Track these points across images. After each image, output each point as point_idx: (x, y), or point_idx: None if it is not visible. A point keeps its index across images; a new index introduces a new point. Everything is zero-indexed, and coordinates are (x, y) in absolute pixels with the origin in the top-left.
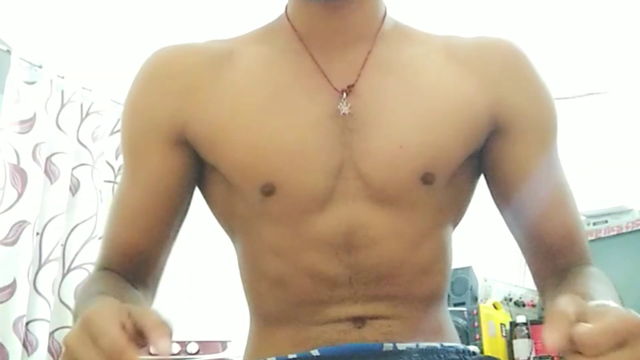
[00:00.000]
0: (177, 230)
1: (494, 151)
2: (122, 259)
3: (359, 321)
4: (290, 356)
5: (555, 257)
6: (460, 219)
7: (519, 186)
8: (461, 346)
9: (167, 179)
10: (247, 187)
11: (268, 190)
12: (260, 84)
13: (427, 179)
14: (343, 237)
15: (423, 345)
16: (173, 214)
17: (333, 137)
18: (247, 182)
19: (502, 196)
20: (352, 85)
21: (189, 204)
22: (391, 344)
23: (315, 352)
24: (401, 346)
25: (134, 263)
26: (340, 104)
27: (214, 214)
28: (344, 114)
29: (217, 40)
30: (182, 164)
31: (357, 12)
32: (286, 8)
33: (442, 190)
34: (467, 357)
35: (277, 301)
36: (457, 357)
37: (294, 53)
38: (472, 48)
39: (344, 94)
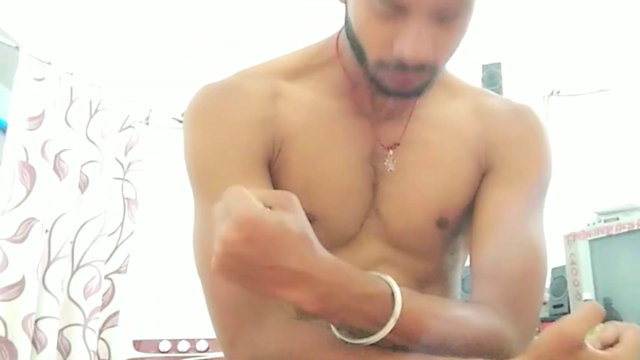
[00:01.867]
0: None
1: (479, 191)
2: None
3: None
4: None
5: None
6: (467, 257)
7: (488, 224)
8: None
9: None
10: None
11: (309, 220)
12: (310, 123)
13: (441, 223)
14: (365, 267)
15: None
16: None
17: (368, 182)
18: None
19: (472, 233)
20: (399, 144)
21: None
22: None
23: None
24: None
25: None
26: (387, 160)
27: None
28: (390, 170)
29: (254, 78)
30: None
31: None
32: (335, 44)
33: (453, 234)
34: None
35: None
36: None
37: (341, 96)
38: (495, 111)
39: (390, 151)
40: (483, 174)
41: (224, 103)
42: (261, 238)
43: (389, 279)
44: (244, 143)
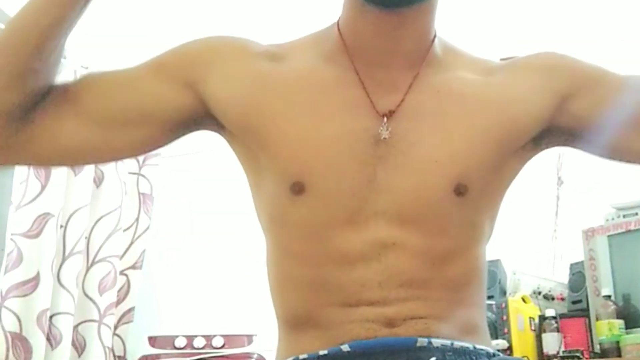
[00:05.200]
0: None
1: (587, 108)
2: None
3: (391, 321)
4: (321, 352)
5: None
6: (492, 231)
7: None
8: (491, 350)
9: (166, 104)
10: (279, 182)
11: (298, 190)
12: (305, 88)
13: (459, 190)
14: (372, 250)
15: (457, 344)
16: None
17: (367, 150)
18: (278, 177)
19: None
20: (393, 112)
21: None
22: (425, 340)
23: (345, 348)
24: (436, 342)
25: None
26: (381, 128)
27: (257, 214)
28: (384, 138)
29: (268, 44)
30: (175, 102)
31: (409, 32)
32: (338, 19)
33: (475, 202)
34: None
35: (304, 303)
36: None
37: (340, 67)
38: (515, 63)
39: (385, 118)
40: (538, 129)
41: (219, 38)
42: None
43: None
44: (168, 54)
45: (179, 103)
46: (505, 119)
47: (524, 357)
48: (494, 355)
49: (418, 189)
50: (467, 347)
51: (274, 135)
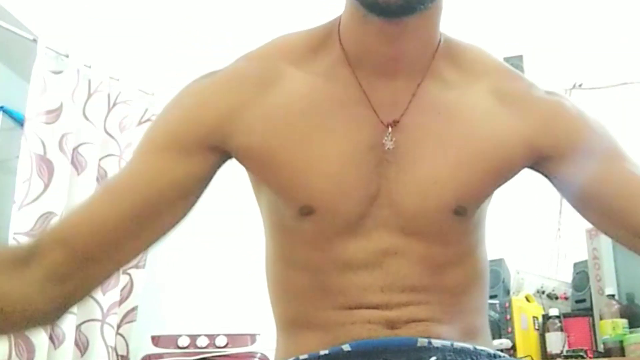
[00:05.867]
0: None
1: (562, 175)
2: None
3: (393, 324)
4: (322, 352)
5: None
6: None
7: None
8: (492, 350)
9: (179, 182)
10: (288, 206)
11: (307, 212)
12: (308, 110)
13: (458, 212)
14: (374, 258)
15: (457, 345)
16: (156, 222)
17: (371, 167)
18: (288, 202)
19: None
20: (398, 121)
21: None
22: (426, 340)
23: (346, 347)
24: (436, 343)
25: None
26: (386, 138)
27: (261, 218)
28: (388, 148)
29: (257, 59)
30: (200, 169)
31: (413, 41)
32: (339, 23)
33: (472, 218)
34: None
35: (305, 307)
36: None
37: (342, 81)
38: (522, 96)
39: (389, 128)
40: (524, 164)
41: (200, 86)
42: None
43: None
44: (174, 126)
45: (210, 166)
46: (502, 153)
47: (527, 356)
48: (495, 356)
49: (419, 208)
50: (468, 348)
51: (285, 166)
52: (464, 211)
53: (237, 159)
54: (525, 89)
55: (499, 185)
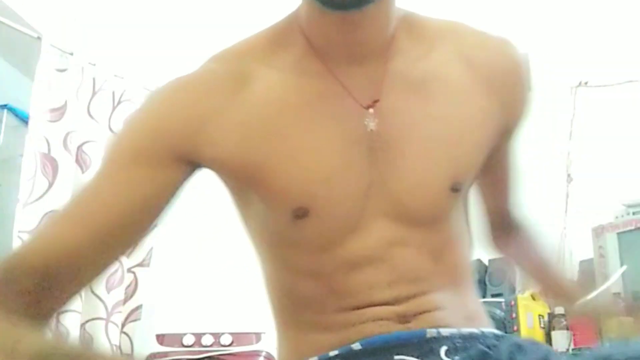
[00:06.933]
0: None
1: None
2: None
3: (403, 317)
4: (332, 353)
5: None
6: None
7: (497, 172)
8: (498, 332)
9: (146, 194)
10: (280, 213)
11: (300, 214)
12: (285, 109)
13: (455, 188)
14: (378, 251)
15: (465, 331)
16: (128, 235)
17: (361, 157)
18: (279, 208)
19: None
20: (377, 101)
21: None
22: (435, 330)
23: (356, 346)
24: (445, 332)
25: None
26: (367, 119)
27: (248, 233)
28: (371, 130)
29: (225, 60)
30: (170, 182)
31: (374, 25)
32: (297, 20)
33: (465, 194)
34: (505, 340)
35: (312, 312)
36: (496, 341)
37: (315, 74)
38: (480, 50)
39: (370, 110)
40: (501, 134)
41: (168, 93)
42: None
43: None
44: (141, 137)
45: (180, 178)
46: (484, 122)
47: None
48: (501, 336)
49: (417, 190)
50: (475, 332)
51: (269, 171)
52: (460, 186)
53: (213, 169)
54: (485, 53)
55: (486, 157)
